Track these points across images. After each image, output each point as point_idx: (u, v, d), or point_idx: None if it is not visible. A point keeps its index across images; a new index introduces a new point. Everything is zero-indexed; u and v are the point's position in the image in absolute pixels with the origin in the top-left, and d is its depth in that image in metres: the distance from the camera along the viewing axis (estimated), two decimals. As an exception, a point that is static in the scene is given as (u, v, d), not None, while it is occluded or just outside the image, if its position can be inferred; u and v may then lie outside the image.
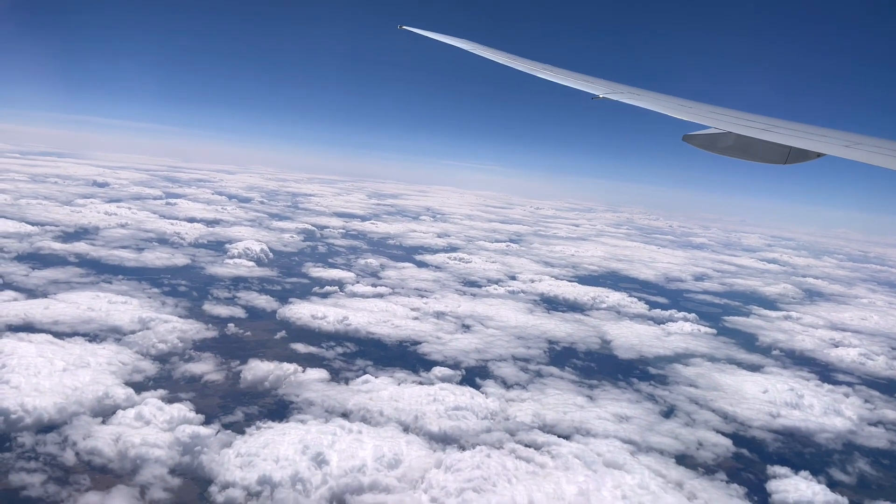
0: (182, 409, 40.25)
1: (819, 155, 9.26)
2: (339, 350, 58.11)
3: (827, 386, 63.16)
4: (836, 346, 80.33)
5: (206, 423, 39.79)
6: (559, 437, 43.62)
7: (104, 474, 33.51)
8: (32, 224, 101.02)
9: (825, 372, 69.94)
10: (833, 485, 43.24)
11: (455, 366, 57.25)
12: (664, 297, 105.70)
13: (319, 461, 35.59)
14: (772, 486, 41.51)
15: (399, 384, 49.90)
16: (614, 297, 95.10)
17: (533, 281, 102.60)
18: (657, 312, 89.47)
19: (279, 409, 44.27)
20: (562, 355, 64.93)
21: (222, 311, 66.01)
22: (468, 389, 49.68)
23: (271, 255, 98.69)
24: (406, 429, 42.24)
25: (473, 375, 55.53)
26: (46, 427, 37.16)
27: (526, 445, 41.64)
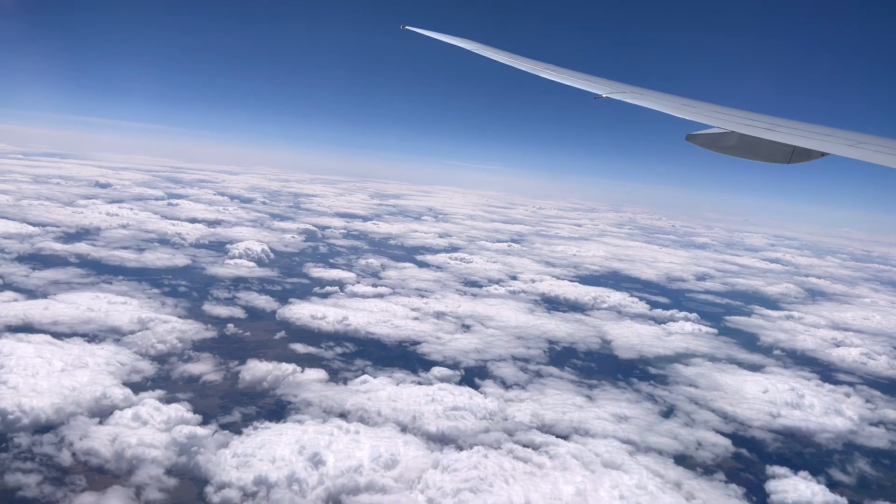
0: (179, 410, 40.25)
1: (823, 154, 9.21)
2: (339, 350, 58.08)
3: (828, 386, 62.94)
4: (838, 346, 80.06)
5: (204, 423, 39.76)
6: (557, 437, 43.51)
7: (100, 475, 33.50)
8: (34, 225, 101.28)
9: (826, 372, 69.68)
10: (833, 485, 43.07)
11: (454, 366, 57.16)
12: (666, 296, 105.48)
13: (316, 461, 35.54)
14: (770, 486, 41.34)
15: (398, 384, 49.82)
16: (615, 296, 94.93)
17: (534, 281, 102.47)
18: (658, 312, 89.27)
19: (277, 409, 44.23)
20: (562, 355, 64.79)
21: (222, 311, 66.03)
22: (467, 389, 49.59)
23: (272, 255, 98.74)
24: (404, 429, 42.16)
25: (473, 375, 55.43)
26: (43, 427, 37.18)
27: (524, 446, 41.55)
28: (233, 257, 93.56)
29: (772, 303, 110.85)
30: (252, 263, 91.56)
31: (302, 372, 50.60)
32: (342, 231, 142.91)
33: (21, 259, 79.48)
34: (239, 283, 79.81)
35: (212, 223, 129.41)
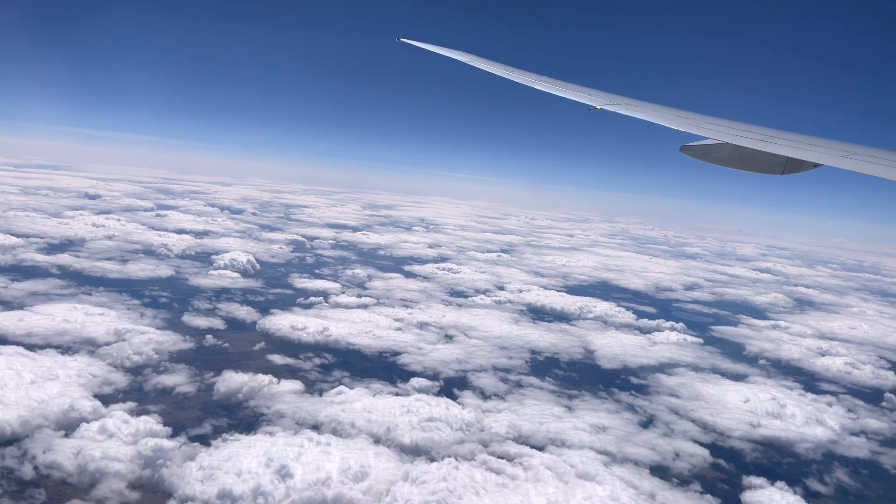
0: (149, 422, 39.72)
1: (816, 165, 9.25)
2: (317, 361, 57.56)
3: (811, 395, 62.66)
4: (823, 356, 79.83)
5: (174, 435, 39.26)
6: (533, 448, 43.03)
7: (61, 488, 32.94)
8: (18, 236, 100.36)
9: (810, 381, 69.43)
10: (810, 495, 42.78)
11: (434, 376, 56.73)
12: (653, 306, 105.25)
13: (283, 474, 35.01)
14: (746, 496, 40.96)
15: (374, 395, 49.30)
16: (602, 306, 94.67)
17: (521, 291, 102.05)
18: (644, 322, 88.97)
19: (249, 421, 43.68)
20: (543, 365, 64.41)
21: (201, 322, 65.47)
22: (444, 400, 49.05)
23: (258, 266, 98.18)
24: (377, 441, 41.68)
25: (452, 386, 55.00)
26: (8, 440, 36.58)
27: (498, 457, 41.03)
28: (217, 268, 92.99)
29: (759, 312, 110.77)
30: (236, 274, 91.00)
31: (278, 383, 50.08)
32: (331, 242, 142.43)
33: (1, 270, 78.77)
34: (221, 293, 79.23)
35: (199, 234, 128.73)
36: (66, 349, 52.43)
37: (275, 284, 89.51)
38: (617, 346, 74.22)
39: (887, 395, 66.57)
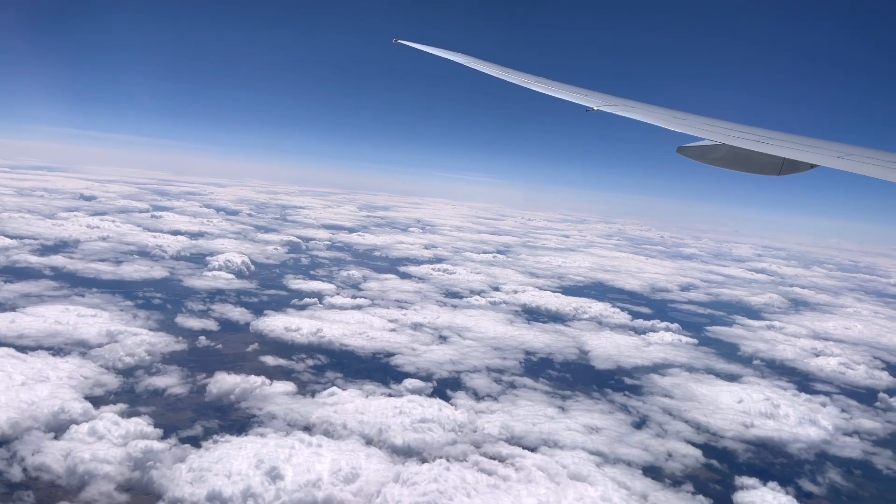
0: (139, 424, 39.59)
1: (812, 166, 9.31)
2: (310, 362, 57.45)
3: (804, 395, 62.68)
4: (817, 356, 79.85)
5: (164, 437, 39.13)
6: (525, 449, 42.98)
7: (50, 490, 32.79)
8: (11, 237, 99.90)
9: (804, 381, 69.45)
10: (803, 496, 42.80)
11: (427, 377, 56.66)
12: (649, 307, 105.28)
13: (274, 476, 34.89)
14: (739, 497, 40.94)
15: (367, 397, 49.21)
16: (597, 307, 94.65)
17: (516, 292, 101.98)
18: (639, 322, 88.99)
19: (240, 422, 43.56)
20: (537, 366, 64.35)
21: (195, 323, 65.28)
22: (436, 401, 49.00)
23: (253, 267, 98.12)
24: (369, 442, 41.58)
25: (445, 387, 54.92)
26: (-3, 442, 36.44)
27: (490, 458, 40.99)
28: (212, 269, 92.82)
29: (754, 313, 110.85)
30: (231, 275, 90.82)
31: (270, 385, 49.96)
32: (326, 243, 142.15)
33: (-6, 272, 78.53)
34: (215, 295, 79.04)
35: (194, 235, 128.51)
36: (57, 351, 52.23)
37: (269, 286, 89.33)
38: (611, 346, 74.20)
39: (881, 395, 66.64)
